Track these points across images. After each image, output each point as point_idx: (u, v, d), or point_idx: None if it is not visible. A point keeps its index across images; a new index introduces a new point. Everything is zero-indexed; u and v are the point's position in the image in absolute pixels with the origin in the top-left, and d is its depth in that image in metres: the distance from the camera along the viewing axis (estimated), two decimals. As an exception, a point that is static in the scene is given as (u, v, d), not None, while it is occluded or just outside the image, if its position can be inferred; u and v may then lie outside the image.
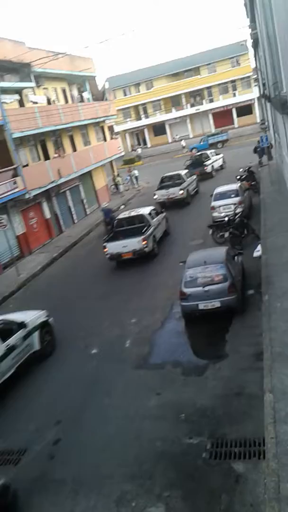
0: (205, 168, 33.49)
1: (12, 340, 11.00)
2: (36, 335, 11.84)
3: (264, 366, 8.63)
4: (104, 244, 18.35)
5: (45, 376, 11.40)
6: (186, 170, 30.17)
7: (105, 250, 18.23)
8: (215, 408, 8.48)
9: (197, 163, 34.26)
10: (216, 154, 36.50)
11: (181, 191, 26.49)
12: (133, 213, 20.00)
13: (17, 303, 17.52)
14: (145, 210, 19.74)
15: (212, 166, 34.48)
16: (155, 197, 27.35)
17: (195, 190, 28.87)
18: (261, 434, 7.15)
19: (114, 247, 17.96)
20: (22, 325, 11.46)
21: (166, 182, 27.85)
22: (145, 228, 18.19)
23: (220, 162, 36.05)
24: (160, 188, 27.62)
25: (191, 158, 37.74)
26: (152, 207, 20.61)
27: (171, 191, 26.67)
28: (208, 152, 36.85)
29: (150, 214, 19.47)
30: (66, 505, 7.13)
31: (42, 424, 9.38)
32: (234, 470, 6.96)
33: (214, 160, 35.27)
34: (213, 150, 38.75)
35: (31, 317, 12.09)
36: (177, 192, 26.50)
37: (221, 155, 36.74)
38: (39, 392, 10.75)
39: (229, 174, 30.22)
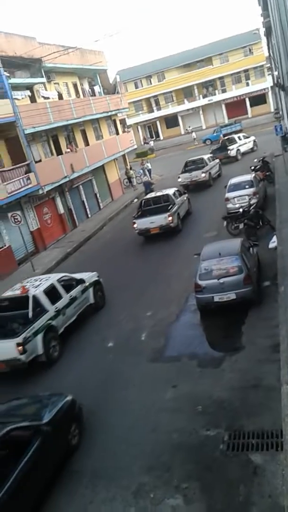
0: (228, 152, 34.55)
1: (73, 293, 13.20)
2: (91, 290, 14.06)
3: (281, 358, 8.57)
4: (134, 220, 20.53)
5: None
6: (210, 155, 32.13)
7: (134, 226, 20.40)
8: (232, 400, 8.46)
9: (222, 148, 35.61)
10: (246, 138, 36.77)
11: (203, 174, 28.12)
12: (159, 193, 22.17)
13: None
14: (170, 191, 21.81)
15: (238, 150, 34.98)
16: (179, 180, 28.90)
17: (218, 173, 30.42)
18: (279, 426, 7.12)
19: (143, 223, 20.07)
20: (80, 281, 13.68)
21: (189, 166, 29.53)
22: (170, 206, 20.25)
23: (250, 145, 36.35)
24: (184, 171, 29.24)
25: (219, 143, 38.74)
26: (176, 188, 22.83)
27: (194, 174, 28.39)
28: (236, 136, 37.30)
29: (174, 194, 21.58)
30: (85, 496, 7.21)
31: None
32: (252, 461, 6.95)
33: (242, 143, 35.87)
34: (242, 134, 38.73)
35: (87, 276, 14.28)
36: (199, 175, 28.17)
37: (252, 138, 36.88)
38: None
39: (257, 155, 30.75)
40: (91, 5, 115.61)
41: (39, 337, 11.32)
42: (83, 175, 28.85)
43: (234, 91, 62.70)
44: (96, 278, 14.52)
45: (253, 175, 21.10)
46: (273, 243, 14.57)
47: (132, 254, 19.78)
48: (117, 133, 37.21)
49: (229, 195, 19.86)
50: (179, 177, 29.23)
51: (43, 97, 26.83)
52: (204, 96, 64.01)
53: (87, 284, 13.87)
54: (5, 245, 21.25)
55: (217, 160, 31.26)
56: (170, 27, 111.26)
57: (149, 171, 38.50)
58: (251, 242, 13.65)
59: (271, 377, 8.65)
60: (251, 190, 19.38)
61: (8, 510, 6.21)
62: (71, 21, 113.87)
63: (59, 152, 27.31)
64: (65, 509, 7.10)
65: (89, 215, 29.68)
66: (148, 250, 19.50)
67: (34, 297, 11.95)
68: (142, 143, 62.19)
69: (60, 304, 12.44)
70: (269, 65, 48.47)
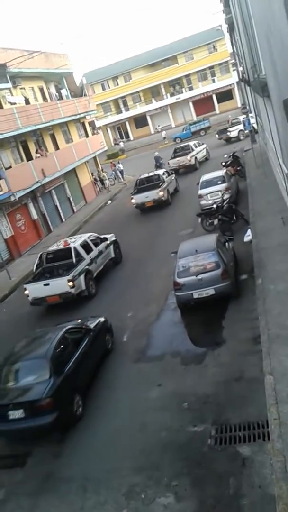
0: (228, 133, 38.07)
1: (100, 247, 16.72)
2: (111, 247, 17.49)
3: (262, 349, 8.68)
4: (132, 196, 24.91)
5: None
6: (196, 141, 35.47)
7: (132, 200, 24.77)
8: (217, 394, 8.53)
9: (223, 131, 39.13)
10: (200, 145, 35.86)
11: (190, 159, 31.65)
12: (151, 173, 26.38)
13: (11, 307, 17.44)
14: (160, 171, 26.55)
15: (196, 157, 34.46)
16: (169, 165, 32.22)
17: (205, 157, 33.90)
18: (264, 416, 7.20)
19: (139, 198, 24.40)
20: (104, 239, 17.29)
21: (178, 152, 33.20)
22: (161, 183, 24.58)
23: (204, 153, 34.93)
24: (173, 157, 32.73)
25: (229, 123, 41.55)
26: (164, 170, 27.62)
27: (182, 159, 31.88)
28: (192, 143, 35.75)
29: (163, 174, 25.97)
30: (76, 502, 7.15)
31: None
32: (240, 453, 7.02)
33: (235, 129, 38.01)
34: (196, 142, 38.08)
35: (108, 236, 17.69)
36: (186, 159, 31.72)
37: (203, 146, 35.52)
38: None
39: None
40: (54, 8, 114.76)
41: (82, 277, 14.89)
42: (55, 179, 28.64)
43: (201, 88, 63.22)
44: (114, 238, 17.96)
45: (224, 170, 21.31)
46: (248, 236, 14.76)
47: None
48: (87, 136, 37.07)
49: (201, 191, 20.01)
50: (168, 163, 32.50)
51: (9, 102, 26.50)
52: (172, 95, 64.35)
53: (108, 242, 17.43)
54: (-21, 254, 20.92)
55: (204, 145, 34.39)
56: (134, 26, 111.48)
57: (121, 172, 38.48)
58: (227, 237, 13.79)
59: (254, 368, 8.75)
60: (223, 185, 19.57)
61: (75, 375, 9.30)
62: (34, 24, 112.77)
63: (29, 157, 27.04)
64: (56, 517, 7.02)
65: (63, 219, 29.48)
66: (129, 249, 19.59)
67: (75, 248, 15.63)
68: (113, 144, 62.09)
69: (92, 254, 16.04)
70: (233, 60, 49.04)
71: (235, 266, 12.77)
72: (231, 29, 32.38)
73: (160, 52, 63.72)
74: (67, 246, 15.91)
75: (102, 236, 17.40)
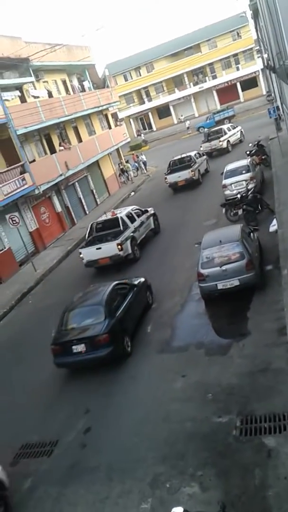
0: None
1: (142, 218, 18.92)
2: (151, 219, 19.62)
3: (288, 340, 8.57)
4: (165, 176, 26.96)
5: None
6: (230, 124, 36.18)
7: (165, 180, 26.79)
8: (242, 385, 8.47)
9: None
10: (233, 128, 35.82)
11: (221, 143, 32.53)
12: (183, 155, 27.93)
13: (36, 298, 17.70)
14: (192, 153, 28.07)
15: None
16: (201, 148, 32.66)
17: (239, 139, 34.42)
18: (290, 408, 7.12)
19: (172, 178, 26.38)
20: (145, 211, 19.56)
21: (211, 136, 34.21)
22: (193, 164, 26.43)
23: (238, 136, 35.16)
24: (207, 141, 33.97)
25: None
26: (196, 151, 28.81)
27: (214, 143, 32.98)
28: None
29: (195, 155, 27.75)
30: (101, 491, 7.24)
31: (71, 414, 9.52)
32: (266, 445, 6.97)
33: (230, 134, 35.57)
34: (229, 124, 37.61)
35: (149, 208, 20.05)
36: (218, 143, 32.67)
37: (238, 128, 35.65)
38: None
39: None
40: (75, 0, 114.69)
41: (128, 242, 17.10)
42: (78, 172, 28.78)
43: (225, 77, 62.29)
44: (154, 212, 20.15)
45: (249, 159, 20.98)
46: (274, 226, 14.51)
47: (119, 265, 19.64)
48: (110, 127, 37.04)
49: (226, 181, 19.78)
50: (201, 146, 33.20)
51: (33, 96, 26.71)
52: (195, 84, 63.62)
53: (149, 214, 19.64)
54: (5, 248, 21.25)
55: (239, 127, 34.84)
56: (156, 16, 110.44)
57: (144, 163, 38.36)
58: (251, 227, 13.61)
59: (279, 360, 8.66)
60: (248, 175, 19.29)
61: (124, 320, 11.00)
62: (55, 17, 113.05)
63: (52, 150, 27.23)
64: (81, 509, 7.11)
65: (87, 212, 29.64)
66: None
67: (121, 218, 17.95)
68: (136, 135, 61.92)
69: (135, 224, 18.20)
70: (258, 47, 48.12)
71: (260, 256, 12.60)
72: (255, 16, 31.76)
73: (183, 41, 62.99)
74: (114, 216, 18.34)
75: (143, 209, 19.79)
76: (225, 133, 33.33)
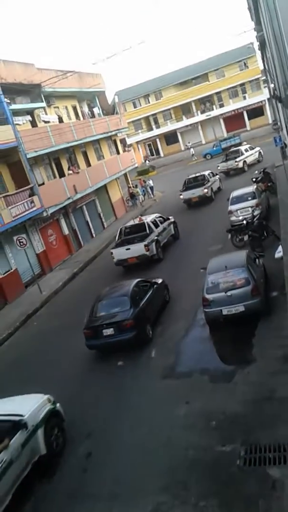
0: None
1: (164, 225, 21.37)
2: (172, 225, 22.23)
3: (293, 368, 8.48)
4: (180, 193, 28.89)
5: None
6: (249, 145, 37.54)
7: (180, 196, 28.75)
8: (246, 413, 8.36)
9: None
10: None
11: (237, 163, 34.55)
12: (197, 174, 30.08)
13: (41, 320, 17.68)
14: (206, 172, 30.08)
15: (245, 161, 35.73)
16: (218, 168, 35.31)
17: (257, 160, 36.08)
18: (295, 438, 7.01)
19: (187, 194, 28.43)
20: (167, 219, 22.12)
21: (229, 156, 36.23)
22: (206, 182, 28.51)
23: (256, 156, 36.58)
24: (224, 161, 35.96)
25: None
26: (210, 171, 30.80)
27: (230, 163, 35.01)
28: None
29: (208, 174, 29.66)
30: (102, 519, 7.09)
31: (73, 437, 9.40)
32: (270, 475, 6.83)
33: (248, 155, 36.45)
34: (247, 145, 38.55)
35: (170, 217, 22.66)
36: (234, 163, 34.72)
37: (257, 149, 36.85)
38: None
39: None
40: (87, 29, 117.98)
41: (153, 244, 19.39)
42: (86, 195, 29.10)
43: (232, 105, 63.32)
44: (173, 220, 22.35)
45: (255, 186, 21.16)
46: (279, 253, 14.50)
47: (139, 271, 19.81)
48: (118, 153, 37.60)
49: (232, 207, 19.90)
50: (218, 166, 35.66)
51: (43, 121, 27.26)
52: (202, 112, 64.66)
53: (170, 221, 21.83)
54: (11, 269, 21.35)
55: (257, 148, 36.31)
56: (165, 45, 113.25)
57: (151, 188, 38.69)
58: (257, 254, 13.63)
59: (284, 388, 8.56)
60: (254, 201, 19.41)
61: (146, 311, 12.68)
62: (68, 45, 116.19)
63: (61, 174, 27.62)
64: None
65: (94, 235, 29.82)
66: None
67: (147, 223, 20.40)
68: (143, 161, 62.70)
69: (159, 229, 20.51)
70: (264, 77, 49.01)
71: (265, 282, 12.59)
72: (262, 47, 32.46)
73: (191, 70, 64.37)
74: (141, 222, 20.90)
75: (165, 217, 22.14)
76: (242, 154, 35.10)
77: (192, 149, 55.66)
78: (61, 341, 14.55)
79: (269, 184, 23.75)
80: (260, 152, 36.16)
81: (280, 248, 14.68)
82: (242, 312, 11.27)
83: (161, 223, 21.30)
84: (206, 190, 27.79)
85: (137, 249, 19.14)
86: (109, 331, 12.06)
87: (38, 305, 19.04)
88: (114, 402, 10.24)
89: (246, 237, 16.72)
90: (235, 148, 37.58)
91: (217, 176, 30.82)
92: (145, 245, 19.01)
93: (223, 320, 11.56)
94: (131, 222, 21.94)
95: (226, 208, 20.30)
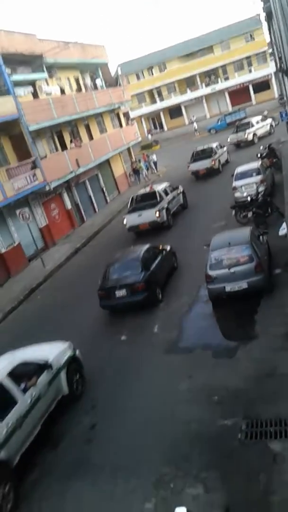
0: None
1: (174, 194, 22.25)
2: (181, 195, 22.99)
3: (295, 345, 8.55)
4: (188, 164, 29.36)
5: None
6: (261, 116, 37.28)
7: (188, 168, 29.28)
8: (248, 389, 8.46)
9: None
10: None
11: (246, 135, 34.60)
12: (205, 146, 30.53)
13: (45, 294, 17.77)
14: (214, 144, 30.46)
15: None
16: (228, 140, 35.61)
17: (268, 132, 36.20)
18: (297, 413, 7.10)
19: (195, 166, 29.06)
20: (177, 187, 23.12)
21: (239, 128, 36.01)
22: (213, 154, 28.93)
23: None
24: (234, 133, 36.03)
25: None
26: (218, 143, 31.34)
27: (240, 135, 35.16)
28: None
29: (216, 147, 30.00)
30: (106, 488, 7.26)
31: (78, 409, 9.56)
32: (271, 449, 6.96)
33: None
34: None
35: (179, 186, 23.46)
36: (243, 136, 34.80)
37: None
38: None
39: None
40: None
41: (164, 210, 20.39)
42: (89, 170, 28.83)
43: (237, 79, 61.99)
44: (183, 189, 23.07)
45: (260, 162, 20.92)
46: (283, 230, 14.42)
47: (149, 237, 20.06)
48: (121, 126, 37.07)
49: (236, 183, 19.73)
50: (228, 138, 35.91)
51: (45, 92, 26.78)
52: (207, 85, 63.40)
53: (179, 191, 22.75)
54: (14, 243, 21.34)
55: (269, 120, 36.11)
56: (170, 17, 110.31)
57: (155, 163, 38.29)
58: (261, 230, 13.57)
59: (286, 364, 8.64)
60: (259, 177, 19.23)
61: (156, 274, 13.42)
62: (70, 15, 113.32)
63: (64, 147, 27.31)
64: (86, 505, 7.15)
65: (97, 210, 29.69)
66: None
67: (158, 191, 21.37)
68: (146, 135, 61.90)
69: (169, 197, 21.44)
70: (271, 50, 47.89)
71: (269, 260, 12.56)
72: (269, 18, 31.56)
73: (196, 42, 62.82)
74: (152, 190, 21.71)
75: (174, 186, 22.90)
76: (252, 126, 35.07)
77: (195, 124, 54.76)
78: (63, 315, 14.65)
79: (274, 160, 23.48)
80: (271, 125, 36.14)
81: (284, 225, 14.59)
82: (245, 289, 11.28)
83: (171, 192, 22.12)
84: (213, 162, 28.24)
85: (148, 215, 20.14)
86: (121, 293, 12.86)
87: (41, 279, 19.10)
88: (117, 376, 10.36)
89: (250, 214, 16.63)
90: (246, 120, 37.43)
91: (225, 148, 31.05)
92: (157, 211, 20.01)
93: (226, 296, 11.59)
94: (143, 191, 22.95)
95: (232, 181, 20.25)
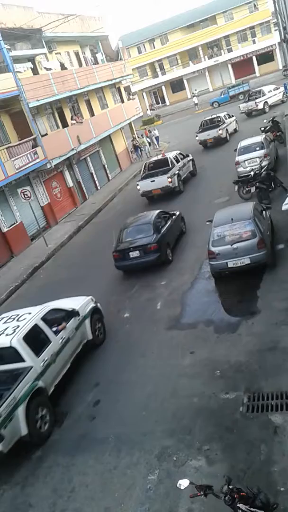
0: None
1: (184, 161, 23.46)
2: (190, 163, 24.18)
3: (297, 320, 8.58)
4: (196, 134, 29.97)
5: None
6: (274, 86, 37.11)
7: (196, 137, 29.82)
8: (250, 363, 8.54)
9: None
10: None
11: (257, 104, 34.90)
12: (213, 116, 31.07)
13: (48, 273, 17.84)
14: (222, 114, 31.06)
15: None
16: (240, 108, 36.16)
17: (281, 100, 35.87)
18: (298, 386, 7.18)
19: (203, 136, 29.37)
20: (187, 155, 24.16)
21: (251, 96, 36.43)
22: (221, 124, 29.59)
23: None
24: (245, 101, 36.42)
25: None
26: (226, 112, 31.98)
27: (250, 104, 35.43)
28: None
29: (224, 116, 30.52)
30: (110, 461, 7.43)
31: (81, 387, 9.71)
32: (272, 422, 7.06)
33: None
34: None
35: (189, 154, 24.59)
36: (254, 104, 35.13)
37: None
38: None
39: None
40: None
41: (175, 177, 21.61)
42: (90, 146, 28.55)
43: (240, 50, 60.71)
44: (192, 158, 24.37)
45: (263, 136, 20.61)
46: (286, 205, 14.32)
47: (161, 203, 20.89)
48: (122, 101, 36.49)
49: (239, 158, 19.48)
50: (239, 107, 36.33)
51: (45, 68, 26.31)
52: (210, 57, 62.15)
53: (189, 158, 23.99)
54: (17, 222, 21.32)
55: (281, 89, 35.37)
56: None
57: (157, 138, 37.84)
58: (264, 206, 13.46)
59: (288, 339, 8.68)
60: (262, 152, 18.96)
61: (166, 236, 14.61)
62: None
63: (64, 124, 26.97)
64: (91, 478, 7.31)
65: (99, 187, 29.51)
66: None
67: (169, 158, 22.57)
68: (148, 109, 61.00)
69: (179, 164, 22.72)
70: (275, 20, 46.62)
71: (272, 235, 12.52)
72: (274, -15, 30.67)
73: (198, 12, 61.26)
74: (164, 157, 22.98)
75: (185, 154, 24.09)
76: (264, 95, 35.18)
77: (195, 98, 53.73)
78: (67, 294, 14.69)
79: (277, 134, 23.11)
80: (284, 93, 35.44)
81: (287, 200, 14.47)
82: (248, 265, 11.28)
83: (181, 159, 23.32)
84: (220, 132, 28.70)
85: (161, 181, 21.29)
86: (135, 254, 13.97)
87: (44, 258, 19.15)
88: (120, 352, 10.49)
89: (253, 189, 16.48)
90: (258, 88, 37.49)
91: (234, 117, 31.31)
92: (169, 177, 21.07)
93: (229, 272, 11.60)
94: (155, 158, 24.46)
95: (222, 181, 20.31)
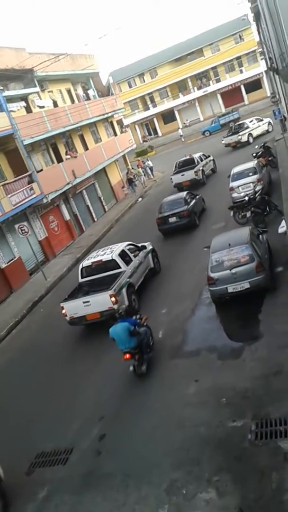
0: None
1: (207, 160, 29.50)
2: (212, 162, 29.92)
3: (300, 342, 8.50)
4: (171, 177, 29.02)
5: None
6: (257, 117, 37.61)
7: (171, 180, 28.97)
8: (256, 389, 8.41)
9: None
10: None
11: (240, 137, 35.09)
12: (187, 157, 29.74)
13: (48, 306, 17.76)
14: (196, 154, 29.87)
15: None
16: (223, 141, 36.21)
17: (266, 130, 36.39)
18: (305, 410, 7.05)
19: (177, 178, 28.37)
20: (208, 156, 29.83)
21: (236, 129, 36.84)
22: (196, 165, 28.46)
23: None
24: (228, 135, 36.61)
25: None
26: (202, 153, 30.64)
27: (233, 137, 35.48)
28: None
29: (199, 157, 29.60)
30: (118, 498, 7.21)
31: (86, 422, 9.52)
32: (282, 448, 6.90)
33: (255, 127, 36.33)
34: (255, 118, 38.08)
35: (210, 155, 30.50)
36: (237, 137, 35.46)
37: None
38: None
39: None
40: (77, 10, 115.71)
41: (200, 171, 27.42)
42: (86, 179, 28.93)
43: (229, 80, 62.26)
44: (212, 158, 29.88)
45: (256, 161, 20.92)
46: (282, 228, 14.37)
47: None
48: (115, 134, 37.23)
49: (233, 184, 19.71)
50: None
51: (38, 106, 26.94)
52: (199, 88, 63.68)
53: (210, 158, 29.58)
54: (15, 257, 21.38)
55: (211, 157, 31.72)
56: (158, 22, 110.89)
57: (151, 168, 38.37)
58: (260, 229, 13.53)
59: (293, 362, 8.58)
60: (255, 177, 19.21)
61: (194, 207, 20.15)
62: (58, 27, 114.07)
63: (59, 159, 27.41)
64: (99, 513, 7.11)
65: (95, 219, 29.75)
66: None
67: (195, 157, 28.40)
68: (141, 141, 62.09)
69: (203, 162, 28.47)
70: (261, 49, 48.10)
71: (270, 258, 12.54)
72: (257, 18, 31.81)
73: (186, 45, 63.08)
74: (191, 157, 28.67)
75: (207, 155, 30.05)
76: (247, 128, 35.45)
77: (180, 130, 54.70)
78: (67, 326, 14.62)
79: (269, 159, 23.46)
80: (270, 122, 35.51)
81: (283, 223, 14.55)
82: (248, 289, 11.25)
83: (204, 159, 28.84)
84: (195, 174, 27.30)
85: (189, 174, 26.88)
86: (173, 219, 19.37)
87: (43, 292, 19.11)
88: (124, 385, 10.33)
89: (248, 213, 16.61)
90: (240, 122, 38.11)
91: (211, 157, 30.03)
92: (195, 172, 26.61)
93: (229, 298, 11.56)
94: (183, 158, 29.28)
95: (217, 208, 20.69)
